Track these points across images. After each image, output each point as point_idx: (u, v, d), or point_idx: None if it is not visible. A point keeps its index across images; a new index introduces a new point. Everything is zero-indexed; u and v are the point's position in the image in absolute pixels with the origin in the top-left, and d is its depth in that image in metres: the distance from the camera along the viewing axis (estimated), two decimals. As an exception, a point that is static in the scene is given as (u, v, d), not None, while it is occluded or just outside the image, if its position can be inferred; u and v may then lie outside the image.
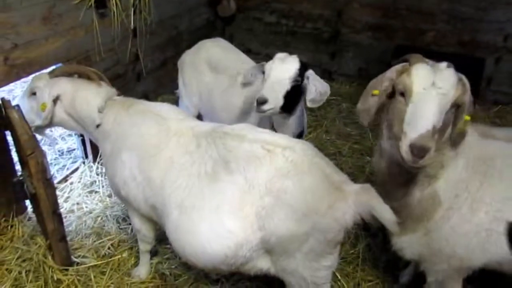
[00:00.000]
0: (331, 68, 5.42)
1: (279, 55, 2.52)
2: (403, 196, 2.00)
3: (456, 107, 1.78)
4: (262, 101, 2.30)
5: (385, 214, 1.79)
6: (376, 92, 1.93)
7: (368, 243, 3.01)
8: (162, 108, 2.35)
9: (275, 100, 2.35)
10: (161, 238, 2.86)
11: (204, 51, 3.40)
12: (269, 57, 5.33)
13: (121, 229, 3.09)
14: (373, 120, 2.01)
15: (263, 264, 1.98)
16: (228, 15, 5.53)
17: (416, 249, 2.11)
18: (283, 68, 2.44)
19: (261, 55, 5.61)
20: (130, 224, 3.01)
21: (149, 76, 4.47)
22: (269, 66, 2.48)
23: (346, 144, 4.08)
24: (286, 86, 2.41)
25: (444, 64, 1.77)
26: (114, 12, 3.60)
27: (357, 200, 1.80)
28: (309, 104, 2.52)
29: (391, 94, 1.89)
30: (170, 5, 4.53)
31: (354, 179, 3.49)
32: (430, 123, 1.64)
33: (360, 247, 2.96)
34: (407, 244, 2.12)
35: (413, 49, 4.58)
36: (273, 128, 2.70)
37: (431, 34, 4.83)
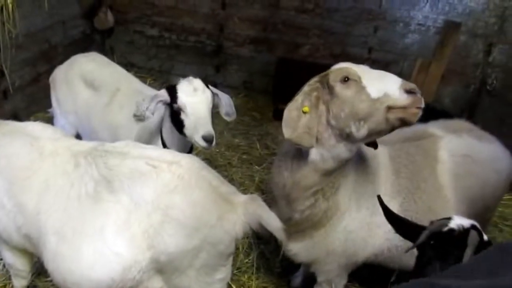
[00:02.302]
0: (217, 81, 5.48)
1: (189, 87, 2.47)
2: (309, 208, 2.04)
3: None
4: (211, 139, 2.34)
5: (273, 222, 1.84)
6: (306, 109, 1.87)
7: (261, 250, 3.06)
8: (34, 127, 2.14)
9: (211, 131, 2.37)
10: (39, 271, 2.58)
11: (78, 66, 3.18)
12: (153, 71, 5.18)
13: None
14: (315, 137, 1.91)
15: (155, 285, 1.90)
16: (106, 28, 5.27)
17: (312, 253, 2.20)
18: (203, 99, 2.44)
19: (144, 69, 5.46)
20: (0, 259, 2.66)
21: (18, 93, 4.05)
22: (189, 102, 2.43)
23: (235, 155, 4.15)
24: (210, 114, 2.45)
25: None
26: (-29, 25, 3.19)
27: (246, 211, 1.83)
28: (227, 119, 2.60)
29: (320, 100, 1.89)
30: (39, 17, 4.16)
31: (245, 189, 3.58)
32: (398, 78, 1.75)
33: (254, 256, 3.00)
34: (303, 249, 2.19)
35: (293, 62, 4.95)
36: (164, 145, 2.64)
37: (307, 48, 5.18)
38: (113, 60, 3.50)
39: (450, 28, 5.01)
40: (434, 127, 2.44)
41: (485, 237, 1.41)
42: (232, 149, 4.28)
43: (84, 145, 2.06)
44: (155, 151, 1.96)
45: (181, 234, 1.76)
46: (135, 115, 2.47)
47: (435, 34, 5.09)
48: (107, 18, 5.19)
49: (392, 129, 1.77)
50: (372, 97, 1.71)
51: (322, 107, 1.87)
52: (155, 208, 1.76)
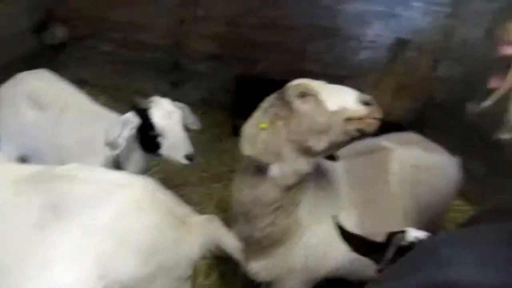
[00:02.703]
0: (175, 97, 5.39)
1: (162, 111, 2.49)
2: (269, 225, 2.02)
3: None
4: (194, 156, 2.39)
5: (230, 243, 1.81)
6: (264, 125, 1.86)
7: (221, 271, 3.00)
8: None
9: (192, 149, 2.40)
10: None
11: (22, 85, 2.98)
12: (107, 88, 5.01)
13: None
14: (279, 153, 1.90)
15: None
16: (56, 43, 5.09)
17: (273, 271, 2.17)
18: (177, 120, 2.49)
19: (98, 86, 5.30)
20: None
21: (-40, 114, 3.80)
22: (166, 126, 2.45)
23: (193, 174, 4.07)
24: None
25: None
26: None
27: (203, 232, 1.78)
28: (195, 128, 2.70)
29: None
30: (-17, 32, 3.97)
31: (203, 208, 3.52)
32: (354, 91, 1.79)
33: (214, 277, 2.94)
34: (264, 267, 2.17)
35: (252, 78, 4.98)
36: (119, 166, 2.56)
37: (265, 64, 5.24)
38: (65, 76, 3.35)
39: (400, 45, 5.25)
40: (385, 140, 2.51)
41: None
42: (190, 167, 4.16)
43: (26, 169, 1.91)
44: (106, 174, 1.87)
45: (136, 260, 1.67)
46: (107, 144, 2.39)
47: (386, 51, 5.30)
48: (59, 33, 5.03)
49: (351, 140, 1.81)
50: (330, 110, 1.75)
51: (281, 123, 1.88)
52: (107, 235, 1.66)
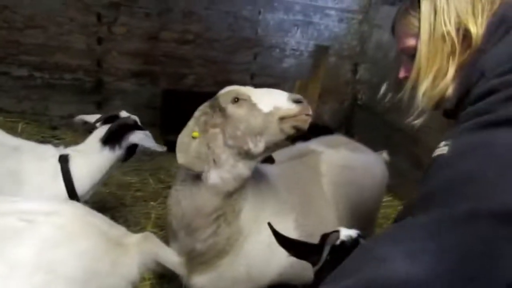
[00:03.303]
0: (100, 118, 5.21)
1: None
2: (211, 236, 1.99)
3: None
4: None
5: (170, 258, 1.80)
6: (195, 134, 1.87)
7: (166, 290, 2.93)
8: None
9: None
10: None
11: None
12: (25, 114, 4.72)
13: None
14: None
15: None
16: (-37, 71, 4.69)
17: (218, 284, 2.13)
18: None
19: (14, 113, 4.94)
20: None
21: None
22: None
23: (128, 194, 3.92)
24: None
25: None
26: None
27: (140, 251, 1.75)
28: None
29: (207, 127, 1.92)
30: None
31: (142, 228, 3.40)
32: (284, 94, 1.80)
33: (159, 296, 2.86)
34: (208, 281, 2.11)
35: (179, 92, 4.92)
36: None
37: (191, 78, 5.22)
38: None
39: (320, 51, 5.50)
40: (314, 144, 2.62)
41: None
42: (124, 187, 4.05)
43: None
44: (26, 203, 1.74)
45: None
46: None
47: (309, 58, 5.53)
48: (-37, 60, 4.64)
49: (288, 138, 1.86)
50: (264, 112, 1.79)
51: (214, 131, 1.90)
52: (36, 269, 1.55)
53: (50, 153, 2.55)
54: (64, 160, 2.52)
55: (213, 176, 1.90)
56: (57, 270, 1.57)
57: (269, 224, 1.74)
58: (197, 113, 1.94)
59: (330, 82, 5.67)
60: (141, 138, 2.64)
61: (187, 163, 1.86)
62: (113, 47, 4.98)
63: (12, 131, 2.89)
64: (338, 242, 1.48)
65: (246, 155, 1.87)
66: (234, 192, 1.95)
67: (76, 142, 4.68)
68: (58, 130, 5.01)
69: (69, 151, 2.62)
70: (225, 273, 2.10)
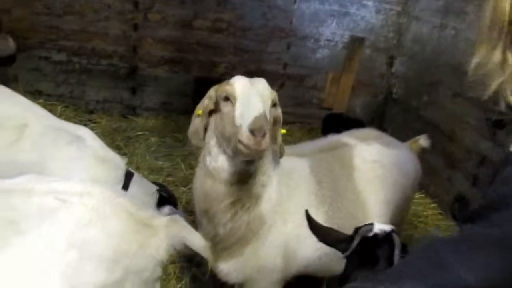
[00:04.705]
0: (134, 104, 5.32)
1: None
2: (230, 221, 2.01)
3: (275, 112, 1.96)
4: None
5: (196, 241, 1.81)
6: (199, 112, 1.99)
7: (194, 273, 2.97)
8: None
9: None
10: None
11: None
12: (63, 97, 4.89)
13: None
14: (203, 140, 2.04)
15: None
16: (6, 55, 4.88)
17: (243, 272, 2.15)
18: None
19: (54, 96, 5.13)
20: None
21: None
22: None
23: (160, 178, 4.01)
24: None
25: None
26: None
27: (168, 233, 1.78)
28: None
29: (213, 110, 1.97)
30: None
31: (171, 211, 3.47)
32: (260, 108, 1.73)
33: (187, 280, 2.91)
34: (233, 268, 2.14)
35: (210, 80, 4.94)
36: None
37: (223, 66, 5.24)
38: (17, 89, 3.21)
39: (356, 43, 5.39)
40: (346, 137, 2.57)
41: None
42: (156, 172, 4.14)
43: None
44: (62, 183, 1.80)
45: (102, 268, 1.65)
46: None
47: (343, 49, 5.43)
48: (7, 44, 4.81)
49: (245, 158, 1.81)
50: (235, 124, 1.76)
51: (213, 116, 1.98)
52: (70, 246, 1.61)
53: None
54: None
55: (208, 162, 1.97)
56: (89, 249, 1.63)
57: (306, 211, 1.74)
58: (208, 93, 2.00)
59: (364, 75, 5.56)
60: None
61: (189, 135, 2.05)
62: (148, 34, 5.06)
63: (51, 114, 3.00)
64: (370, 234, 1.47)
65: (224, 151, 1.90)
66: (235, 182, 1.93)
67: (111, 126, 4.90)
68: (94, 114, 5.18)
69: None
70: (249, 261, 2.12)
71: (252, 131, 1.65)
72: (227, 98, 1.84)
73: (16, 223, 1.63)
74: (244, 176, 1.93)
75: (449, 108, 4.32)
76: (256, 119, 1.68)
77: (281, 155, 2.08)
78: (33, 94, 4.89)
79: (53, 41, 5.02)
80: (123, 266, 1.69)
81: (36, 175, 1.89)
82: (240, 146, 1.69)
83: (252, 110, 1.73)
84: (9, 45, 4.82)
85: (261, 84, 1.88)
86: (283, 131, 2.04)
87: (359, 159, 2.41)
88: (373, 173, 2.39)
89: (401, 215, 2.59)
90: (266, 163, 2.00)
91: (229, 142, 1.80)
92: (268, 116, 1.79)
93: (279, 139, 2.04)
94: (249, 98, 1.79)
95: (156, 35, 5.06)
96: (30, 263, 1.60)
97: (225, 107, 1.84)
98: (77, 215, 1.66)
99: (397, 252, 1.42)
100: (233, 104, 1.81)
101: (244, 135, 1.67)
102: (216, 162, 1.93)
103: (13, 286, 1.58)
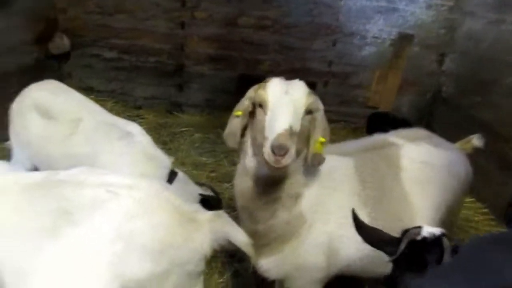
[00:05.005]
0: (180, 100, 5.45)
1: None
2: (269, 218, 2.03)
3: (311, 119, 1.92)
4: None
5: (240, 237, 1.83)
6: (238, 113, 1.98)
7: (236, 269, 3.01)
8: None
9: None
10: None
11: (29, 97, 3.03)
12: (114, 94, 5.06)
13: None
14: (239, 141, 2.02)
15: None
16: (61, 53, 5.13)
17: (282, 268, 2.16)
18: None
19: (104, 92, 5.34)
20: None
21: (-31, 125, 3.83)
22: None
23: (203, 174, 4.09)
24: None
25: (296, 80, 1.92)
26: None
27: (212, 228, 1.81)
28: None
29: (252, 113, 1.96)
30: (-12, 45, 4.00)
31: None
32: (286, 123, 1.72)
33: (228, 275, 2.95)
34: (273, 265, 2.15)
35: (254, 78, 4.96)
36: None
37: (267, 63, 5.24)
38: (71, 85, 3.37)
39: (404, 40, 5.23)
40: (394, 136, 2.49)
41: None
42: (200, 167, 4.22)
43: (34, 177, 1.94)
44: (112, 176, 1.89)
45: (148, 259, 1.70)
46: None
47: (390, 46, 5.27)
48: (62, 42, 5.07)
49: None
50: (265, 135, 1.77)
51: (252, 118, 1.96)
52: (118, 237, 1.68)
53: None
54: None
55: (248, 161, 1.98)
56: (136, 240, 1.69)
57: (353, 210, 1.73)
58: (247, 93, 1.98)
59: (411, 73, 5.38)
60: None
61: (224, 136, 2.01)
62: (194, 31, 5.16)
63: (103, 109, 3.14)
64: (419, 237, 1.43)
65: (256, 154, 1.92)
66: (269, 182, 1.94)
67: (157, 122, 5.03)
68: (141, 110, 5.35)
69: None
70: (288, 258, 2.12)
71: (273, 148, 1.68)
72: (261, 106, 1.86)
73: (70, 213, 1.72)
74: (275, 178, 1.93)
75: (504, 107, 4.09)
76: (279, 136, 1.70)
77: (314, 164, 1.96)
78: (85, 90, 5.11)
79: (105, 39, 5.23)
80: (168, 258, 1.73)
81: (88, 168, 1.98)
82: (263, 160, 1.74)
83: (278, 125, 1.74)
84: (64, 43, 5.08)
85: (296, 90, 1.85)
86: (322, 139, 1.94)
87: (407, 159, 2.32)
88: (422, 174, 2.30)
89: (450, 219, 2.49)
90: (303, 164, 1.99)
91: (259, 149, 1.82)
92: (297, 127, 1.78)
93: (317, 145, 1.94)
94: (279, 108, 1.80)
95: (202, 33, 5.14)
96: (80, 251, 1.68)
97: (258, 114, 1.87)
98: (125, 208, 1.73)
99: (446, 257, 1.37)
100: (265, 113, 1.82)
101: (267, 152, 1.70)
102: (251, 162, 1.96)
103: (64, 273, 1.67)
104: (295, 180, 1.98)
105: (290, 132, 1.71)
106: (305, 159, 1.96)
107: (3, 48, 4.26)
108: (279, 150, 1.67)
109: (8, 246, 1.74)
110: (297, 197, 2.02)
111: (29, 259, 1.71)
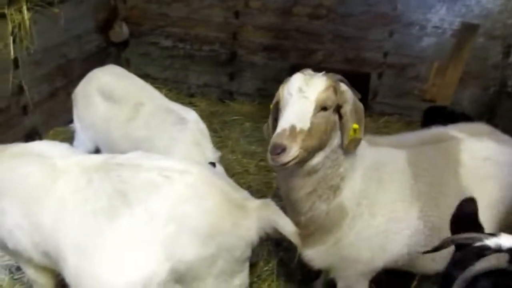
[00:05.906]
0: (232, 89, 5.51)
1: None
2: (309, 210, 2.04)
3: (338, 114, 1.90)
4: None
5: (287, 227, 1.85)
6: (271, 106, 2.04)
7: (281, 257, 3.03)
8: (42, 147, 2.16)
9: None
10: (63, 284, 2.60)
11: (95, 81, 3.22)
12: (168, 81, 5.24)
13: (16, 279, 2.76)
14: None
15: None
16: (121, 41, 5.35)
17: (326, 259, 2.17)
18: None
19: (159, 79, 5.51)
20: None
21: (37, 109, 4.13)
22: None
23: (253, 162, 4.13)
24: None
25: (320, 74, 1.90)
26: (-12, 42, 3.27)
27: (259, 216, 1.84)
28: None
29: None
30: (55, 33, 4.24)
31: (263, 195, 3.55)
32: (288, 122, 1.76)
33: (274, 263, 2.97)
34: (316, 255, 2.17)
35: (306, 68, 4.91)
36: None
37: (321, 53, 5.16)
38: (129, 72, 3.53)
39: (467, 30, 4.93)
40: (453, 130, 2.37)
41: None
42: (249, 156, 4.27)
43: (94, 159, 2.06)
44: (166, 161, 1.97)
45: (197, 242, 1.76)
46: None
47: (452, 37, 5.01)
48: (122, 31, 5.27)
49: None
50: (276, 132, 1.80)
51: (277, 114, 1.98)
52: (170, 219, 1.76)
53: None
54: None
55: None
56: (187, 223, 1.76)
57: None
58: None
59: (474, 65, 5.07)
60: None
61: (264, 128, 2.15)
62: (248, 21, 5.17)
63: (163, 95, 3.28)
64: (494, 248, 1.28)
65: None
66: (304, 174, 1.94)
67: (209, 110, 5.13)
68: (194, 98, 5.47)
69: None
70: (332, 249, 2.12)
71: (271, 148, 1.74)
72: (278, 102, 1.92)
73: (126, 195, 1.82)
74: (304, 172, 1.93)
75: None
76: (276, 135, 1.76)
77: (349, 150, 1.96)
78: (142, 77, 5.25)
79: (162, 27, 5.38)
80: (217, 242, 1.78)
81: (143, 152, 2.08)
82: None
83: (280, 124, 1.79)
84: (124, 31, 5.28)
85: (311, 87, 1.83)
86: (355, 126, 1.90)
87: (467, 154, 2.21)
88: (484, 171, 2.19)
89: (510, 219, 2.35)
90: (338, 157, 1.96)
91: None
92: (304, 125, 1.77)
93: (351, 133, 1.91)
94: (289, 104, 1.82)
95: (256, 22, 5.15)
96: (135, 232, 1.78)
97: (276, 110, 1.95)
98: (177, 191, 1.80)
99: None
100: (280, 111, 1.88)
101: (269, 149, 1.76)
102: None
103: (120, 251, 1.77)
104: (330, 172, 1.97)
105: (292, 131, 1.73)
106: (341, 148, 1.95)
107: (70, 36, 4.51)
108: (273, 149, 1.72)
109: (68, 225, 1.87)
110: (335, 189, 2.01)
111: (88, 237, 1.82)
